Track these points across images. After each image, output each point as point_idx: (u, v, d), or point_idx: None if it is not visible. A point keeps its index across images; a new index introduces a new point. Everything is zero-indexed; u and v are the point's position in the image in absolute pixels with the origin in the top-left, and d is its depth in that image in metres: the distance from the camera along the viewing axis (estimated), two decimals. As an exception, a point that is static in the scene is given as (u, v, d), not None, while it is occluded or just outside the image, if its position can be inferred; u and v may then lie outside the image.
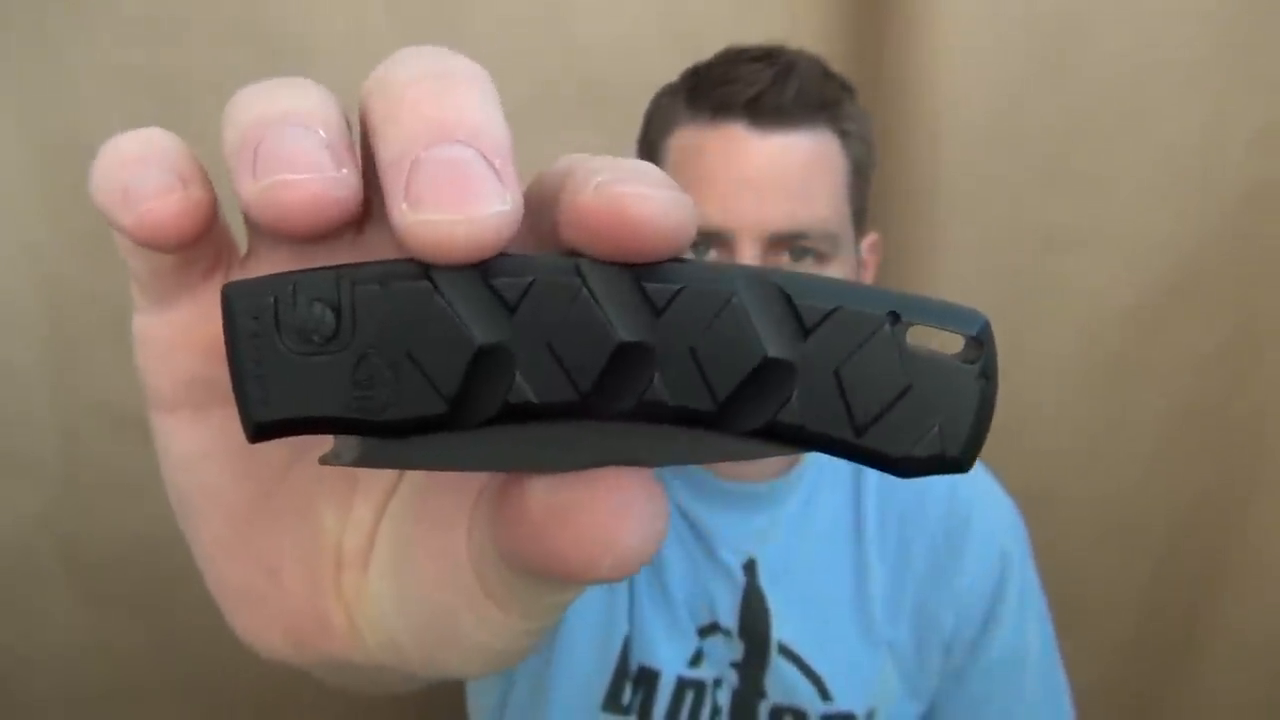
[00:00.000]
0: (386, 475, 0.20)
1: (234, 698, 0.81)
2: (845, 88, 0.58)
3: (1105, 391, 0.85)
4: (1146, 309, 0.83)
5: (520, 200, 0.14)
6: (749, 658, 0.60)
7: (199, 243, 0.17)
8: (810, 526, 0.62)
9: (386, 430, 0.15)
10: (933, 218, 0.80)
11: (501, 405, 0.15)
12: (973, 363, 0.16)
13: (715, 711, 0.60)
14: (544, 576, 0.16)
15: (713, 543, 0.61)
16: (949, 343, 0.16)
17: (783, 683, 0.59)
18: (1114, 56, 0.78)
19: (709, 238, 0.54)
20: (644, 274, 0.15)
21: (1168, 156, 0.80)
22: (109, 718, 0.80)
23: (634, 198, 0.14)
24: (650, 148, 0.59)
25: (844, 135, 0.57)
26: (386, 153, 0.15)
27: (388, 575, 0.19)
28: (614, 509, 0.15)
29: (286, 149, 0.15)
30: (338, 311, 0.15)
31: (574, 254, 0.15)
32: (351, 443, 0.16)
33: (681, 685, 0.60)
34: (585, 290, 0.15)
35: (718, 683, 0.60)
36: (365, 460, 0.16)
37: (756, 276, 0.15)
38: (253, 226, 0.17)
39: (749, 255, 0.53)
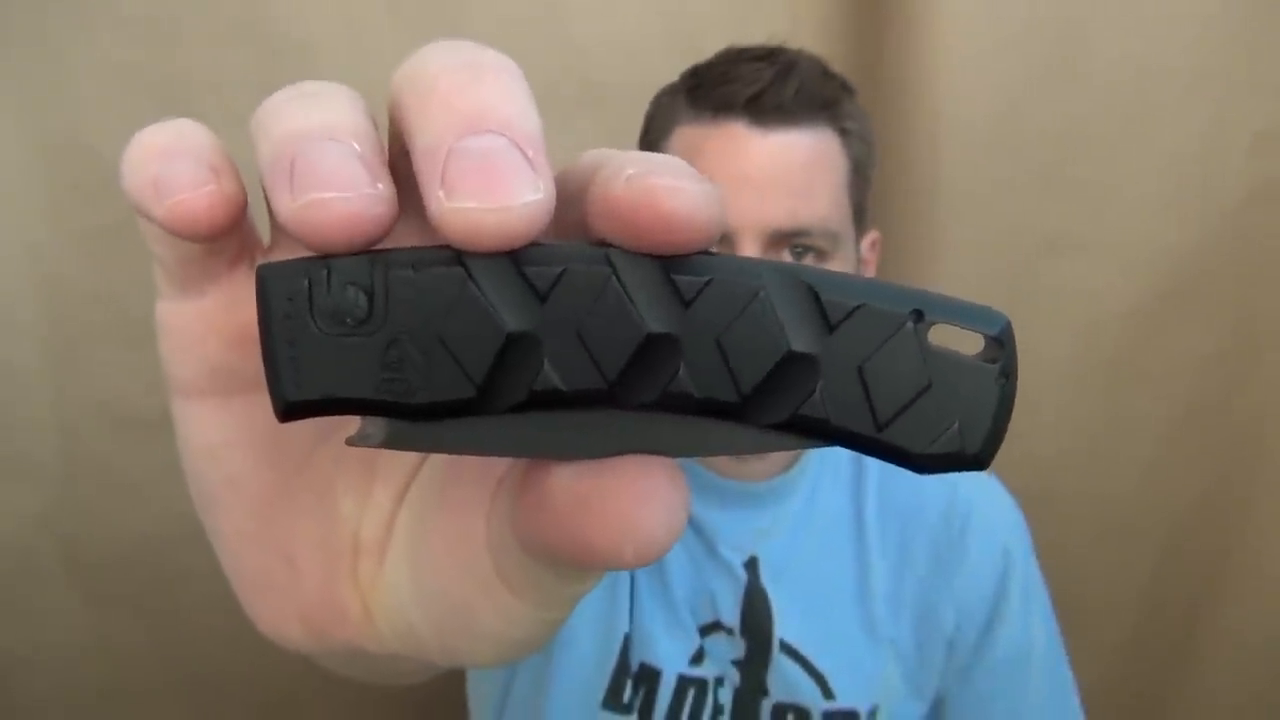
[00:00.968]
0: (406, 463, 0.20)
1: (234, 698, 0.81)
2: (845, 87, 0.59)
3: (1105, 393, 0.85)
4: (1146, 311, 0.83)
5: (553, 189, 0.15)
6: (751, 656, 0.60)
7: (229, 234, 0.17)
8: (812, 524, 0.62)
9: (415, 413, 0.15)
10: (932, 220, 0.80)
11: (529, 391, 0.15)
12: (993, 362, 0.16)
13: (717, 710, 0.59)
14: (566, 564, 0.16)
15: (714, 540, 0.61)
16: (968, 342, 0.16)
17: (785, 680, 0.59)
18: (1114, 60, 0.78)
19: None
20: (673, 266, 0.15)
21: (1167, 160, 0.80)
22: (109, 717, 0.80)
23: (667, 190, 0.15)
24: (651, 148, 0.59)
25: (844, 134, 0.57)
26: (421, 142, 0.15)
27: (405, 563, 0.20)
28: (638, 496, 0.15)
29: (322, 166, 0.15)
30: (370, 295, 0.15)
31: (604, 244, 0.15)
32: (379, 425, 0.16)
33: (683, 683, 0.60)
34: (615, 281, 0.15)
35: (719, 681, 0.60)
36: (392, 442, 0.16)
37: (784, 271, 0.16)
38: (284, 233, 0.17)
39: (749, 252, 0.53)
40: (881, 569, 0.62)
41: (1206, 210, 0.81)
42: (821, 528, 0.62)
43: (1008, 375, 0.16)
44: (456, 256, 0.15)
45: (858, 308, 0.16)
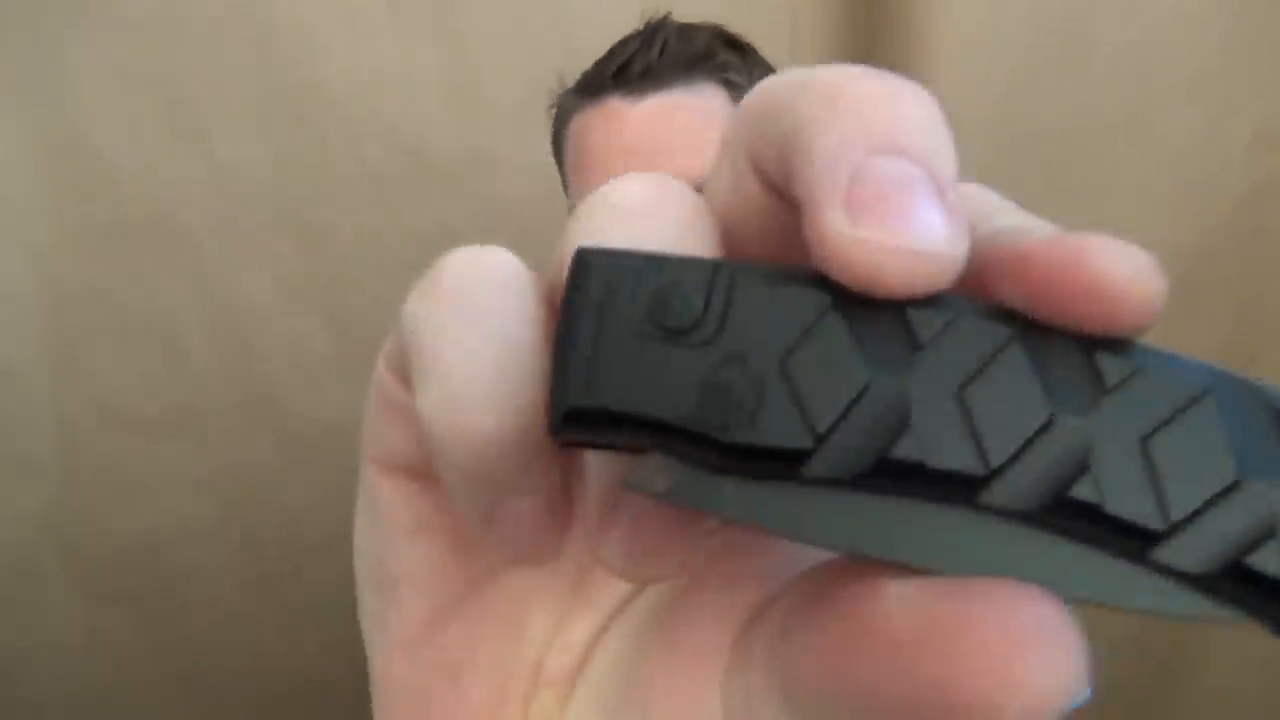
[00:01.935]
0: (618, 585, 0.17)
1: (234, 698, 0.81)
2: (730, 43, 0.58)
3: (1105, 392, 0.85)
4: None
5: (967, 243, 0.12)
6: None
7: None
8: None
9: (728, 455, 0.12)
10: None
11: (878, 458, 0.12)
12: None
13: None
14: (909, 716, 0.12)
15: None
16: None
17: None
18: (1115, 58, 0.78)
19: None
20: (1097, 345, 0.12)
21: (1168, 158, 0.80)
22: (109, 717, 0.80)
23: (1101, 252, 0.12)
24: (558, 154, 0.60)
25: (730, 85, 0.56)
26: (815, 146, 0.12)
27: (599, 713, 0.16)
28: (1028, 632, 0.11)
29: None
30: (707, 302, 0.12)
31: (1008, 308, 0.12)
32: (666, 468, 0.13)
33: None
34: (1018, 350, 0.12)
35: None
36: (679, 494, 0.13)
37: (1238, 382, 0.12)
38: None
39: None
40: None
41: (1207, 207, 0.81)
42: None
43: None
44: (822, 278, 0.12)
45: (1140, 369, 0.12)
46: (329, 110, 0.72)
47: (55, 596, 0.77)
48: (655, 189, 0.14)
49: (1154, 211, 0.81)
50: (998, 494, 0.12)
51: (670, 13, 0.58)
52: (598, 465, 0.14)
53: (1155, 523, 0.12)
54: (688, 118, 0.54)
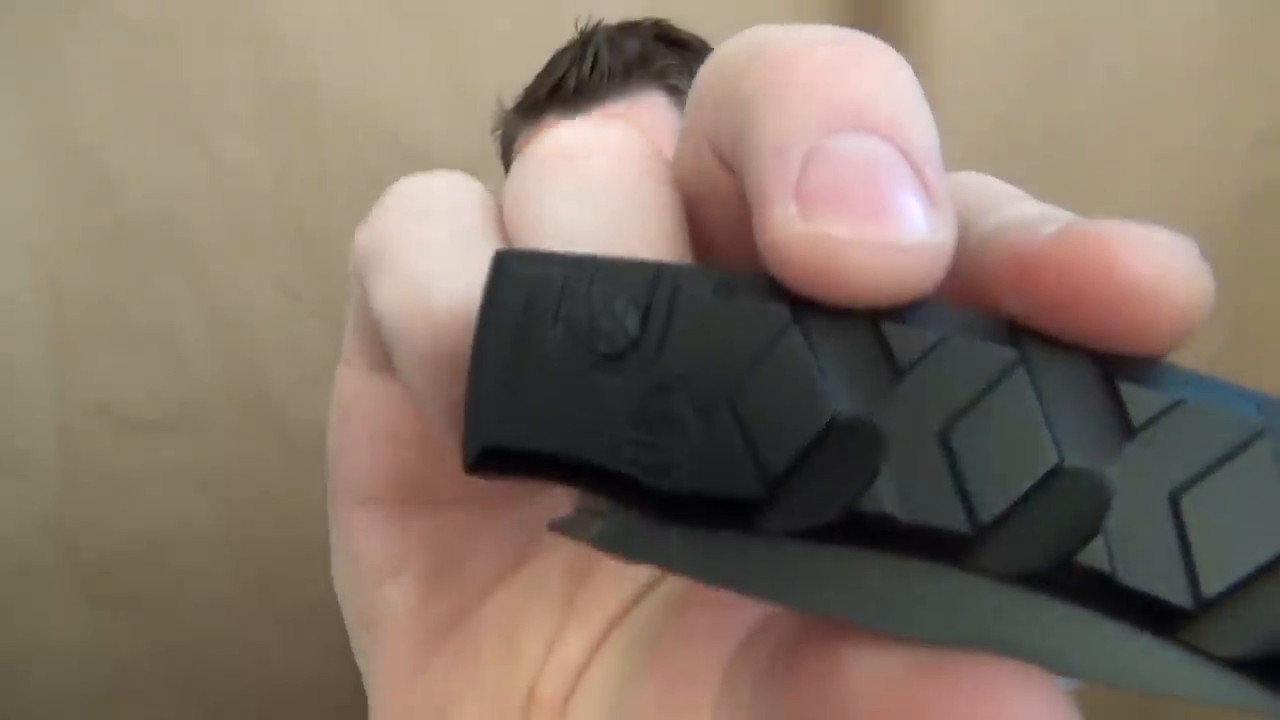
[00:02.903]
0: (611, 600, 0.15)
1: (234, 698, 0.81)
2: (672, 42, 0.56)
3: (1105, 393, 0.85)
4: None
5: (954, 229, 0.10)
6: None
7: None
8: None
9: (665, 504, 0.10)
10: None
11: (845, 510, 0.10)
12: None
13: None
14: None
15: None
16: None
17: None
18: (1115, 60, 0.78)
19: None
20: (1124, 373, 0.10)
21: (1168, 161, 0.80)
22: (109, 717, 0.80)
23: (1127, 246, 0.09)
24: (507, 171, 0.60)
25: (673, 90, 0.54)
26: (764, 135, 0.10)
27: None
28: None
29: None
30: (645, 318, 0.10)
31: (1008, 322, 0.10)
32: (603, 510, 0.11)
33: None
34: (1021, 377, 0.10)
35: None
36: (612, 542, 0.11)
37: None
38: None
39: None
40: None
41: (1207, 210, 0.81)
42: None
43: None
44: (782, 290, 0.10)
45: (1179, 409, 0.10)
46: (329, 111, 0.72)
47: (55, 596, 0.77)
48: (592, 130, 0.13)
49: (1154, 213, 0.81)
50: (987, 556, 0.10)
51: (601, 20, 0.56)
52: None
53: (1181, 599, 0.09)
54: None
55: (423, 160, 0.75)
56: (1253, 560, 0.09)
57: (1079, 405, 0.10)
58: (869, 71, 0.11)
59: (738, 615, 0.13)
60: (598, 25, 0.56)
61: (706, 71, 0.12)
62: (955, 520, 0.10)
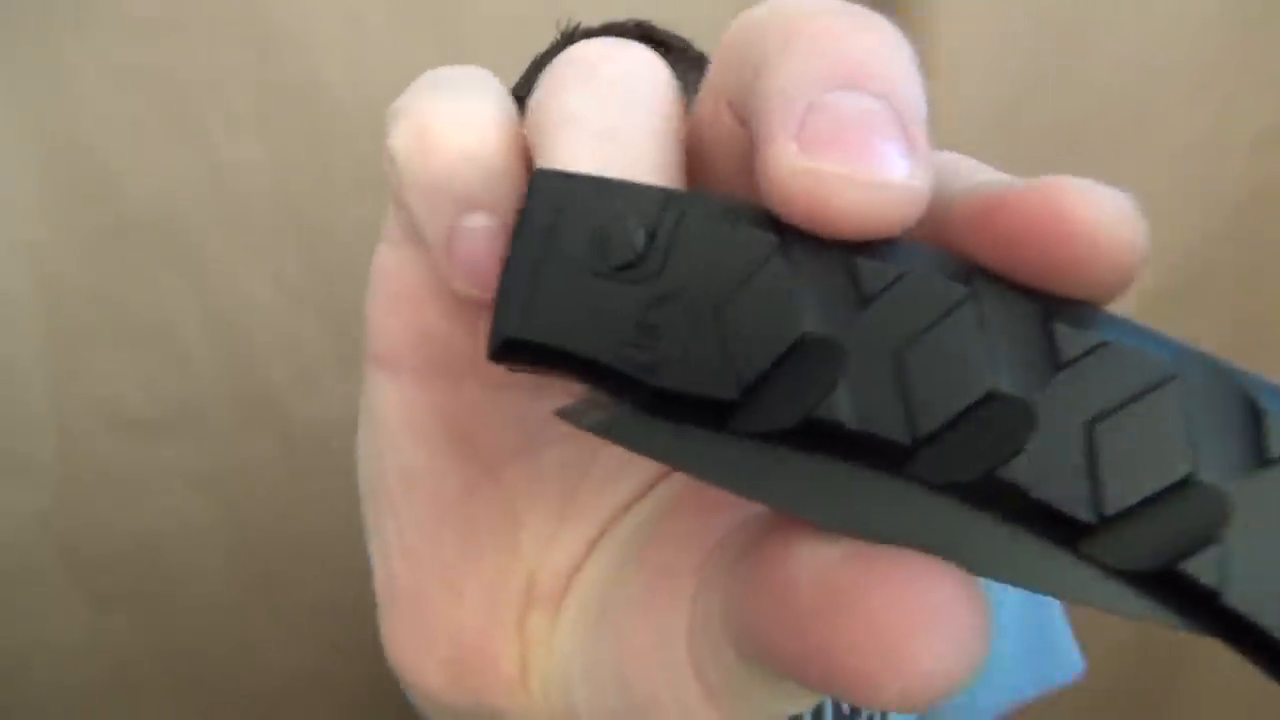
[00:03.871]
0: (609, 503, 0.17)
1: (234, 698, 0.81)
2: (655, 43, 0.56)
3: (1105, 392, 0.84)
4: (1147, 311, 0.82)
5: (931, 179, 0.11)
6: None
7: None
8: None
9: (652, 399, 0.12)
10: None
11: (804, 417, 0.11)
12: None
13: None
14: (797, 680, 0.12)
15: None
16: None
17: None
18: (1115, 60, 0.78)
19: None
20: (1059, 313, 0.11)
21: (1169, 160, 0.80)
22: (109, 716, 0.80)
23: (1075, 194, 0.11)
24: None
25: None
26: (772, 84, 0.12)
27: (581, 631, 0.16)
28: (916, 608, 0.11)
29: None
30: (652, 237, 0.12)
31: (966, 261, 0.12)
32: (603, 404, 0.13)
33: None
34: (970, 311, 0.11)
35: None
36: (611, 431, 0.12)
37: (1212, 367, 0.11)
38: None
39: None
40: None
41: (1208, 210, 0.81)
42: None
43: None
44: (773, 219, 0.12)
45: (1099, 346, 0.11)
46: (329, 110, 0.72)
47: (55, 596, 0.77)
48: (609, 44, 0.14)
49: (1154, 213, 0.80)
50: (923, 465, 0.11)
51: (580, 23, 0.57)
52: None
53: (1086, 514, 0.11)
54: None
55: (423, 160, 0.75)
56: (1151, 486, 0.11)
57: (1017, 339, 0.11)
58: (870, 39, 0.12)
59: (717, 518, 0.15)
60: (577, 27, 0.56)
61: (729, 35, 0.14)
62: (896, 431, 0.11)
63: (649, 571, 0.15)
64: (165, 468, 0.75)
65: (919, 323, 0.11)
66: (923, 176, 0.11)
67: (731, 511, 0.15)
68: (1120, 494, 0.11)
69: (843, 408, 0.11)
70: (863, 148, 0.11)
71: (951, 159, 0.13)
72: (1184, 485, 0.11)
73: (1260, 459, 0.11)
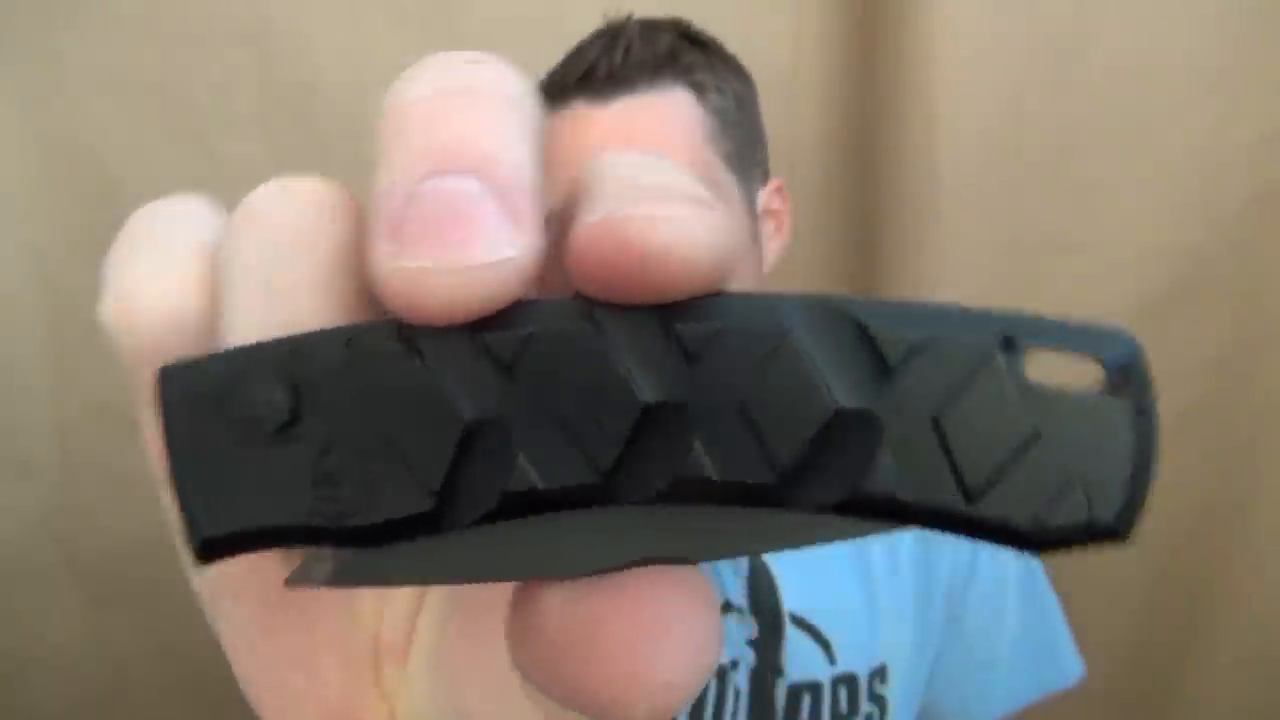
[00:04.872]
0: None
1: (234, 698, 0.81)
2: (694, 41, 0.58)
3: (1105, 393, 0.84)
4: (1147, 313, 0.83)
5: (535, 244, 0.12)
6: (764, 633, 0.59)
7: None
8: None
9: (357, 539, 0.12)
10: (932, 222, 0.80)
11: (500, 495, 0.12)
12: (1120, 397, 0.12)
13: (735, 695, 0.59)
14: (569, 709, 0.13)
15: None
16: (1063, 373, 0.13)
17: (798, 655, 0.59)
18: (1116, 62, 0.78)
19: None
20: (676, 315, 0.12)
21: (1169, 162, 0.80)
22: (109, 716, 0.80)
23: (639, 224, 0.11)
24: None
25: (697, 87, 0.56)
26: (379, 179, 0.12)
27: (426, 674, 0.17)
28: (649, 627, 0.12)
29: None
30: (296, 391, 0.12)
31: (588, 297, 0.12)
32: (324, 555, 0.13)
33: None
34: (598, 341, 0.12)
35: (734, 664, 0.59)
36: (340, 579, 0.13)
37: (817, 305, 0.12)
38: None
39: None
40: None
41: (1208, 212, 0.81)
42: None
43: (1144, 413, 0.12)
44: (400, 330, 0.12)
45: (924, 342, 0.12)
46: (329, 110, 0.72)
47: (55, 596, 0.77)
48: (277, 191, 0.14)
49: (1155, 215, 0.81)
50: (622, 492, 0.12)
51: (632, 13, 0.58)
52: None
53: (767, 476, 0.12)
54: (654, 119, 0.55)
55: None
56: (808, 428, 0.12)
57: (647, 350, 0.12)
58: (466, 116, 0.12)
59: None
60: (628, 18, 0.57)
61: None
62: (584, 475, 0.12)
63: (468, 610, 0.16)
64: (165, 468, 0.75)
65: (559, 374, 0.12)
66: (523, 245, 0.12)
67: None
68: (784, 447, 0.12)
69: (529, 475, 0.12)
70: (452, 233, 0.11)
71: (591, 174, 0.13)
72: (836, 419, 0.12)
73: (886, 372, 0.12)
